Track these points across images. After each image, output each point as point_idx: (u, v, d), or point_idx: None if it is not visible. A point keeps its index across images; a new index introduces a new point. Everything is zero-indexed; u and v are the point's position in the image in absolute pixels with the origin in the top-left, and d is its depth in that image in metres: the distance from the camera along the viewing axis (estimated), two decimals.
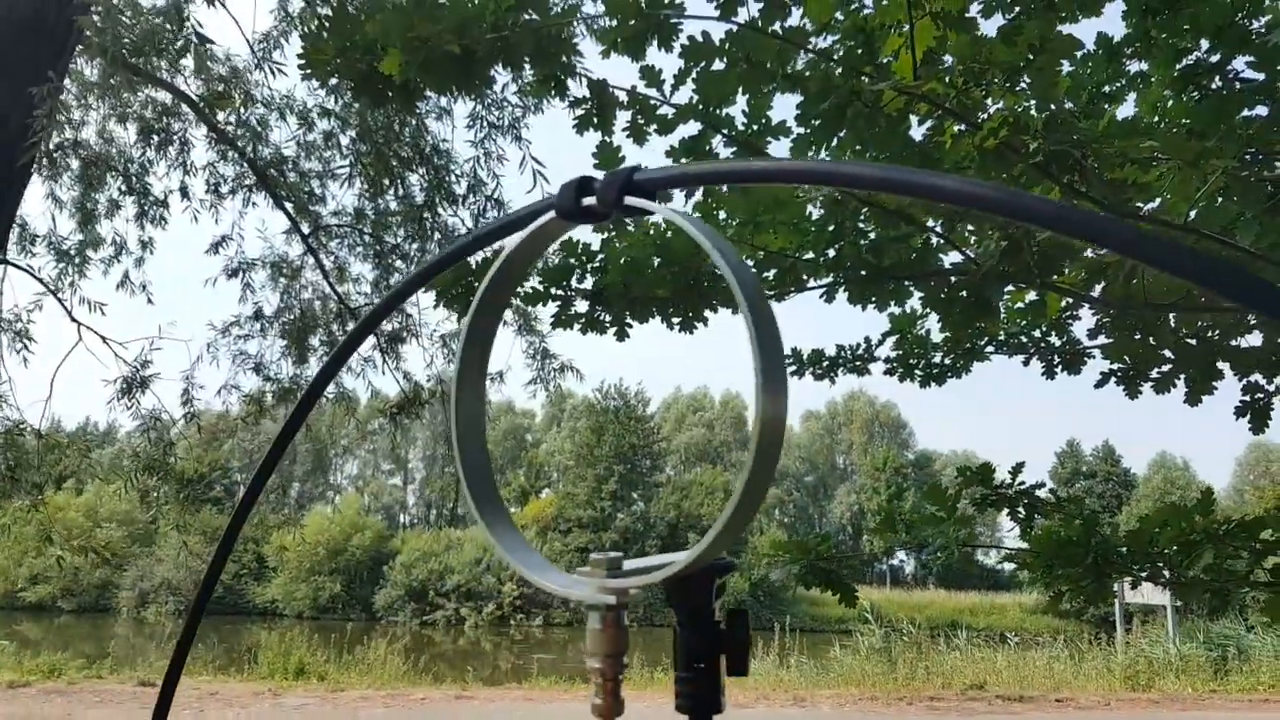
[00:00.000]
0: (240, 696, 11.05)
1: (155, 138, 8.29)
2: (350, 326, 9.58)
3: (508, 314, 9.20)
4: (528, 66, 2.68)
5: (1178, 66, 3.48)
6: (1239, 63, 3.47)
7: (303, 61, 3.12)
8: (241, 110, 7.91)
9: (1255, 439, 59.39)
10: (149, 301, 9.49)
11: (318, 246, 9.20)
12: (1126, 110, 4.97)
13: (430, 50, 2.45)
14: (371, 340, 9.76)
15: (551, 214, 0.65)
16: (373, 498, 59.71)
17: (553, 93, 2.89)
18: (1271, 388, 3.82)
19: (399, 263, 9.02)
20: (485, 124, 7.65)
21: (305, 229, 8.88)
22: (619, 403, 44.91)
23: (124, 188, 8.62)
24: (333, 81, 7.51)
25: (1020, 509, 4.61)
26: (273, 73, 7.41)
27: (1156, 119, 3.77)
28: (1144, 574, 4.09)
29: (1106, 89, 3.95)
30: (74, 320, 8.38)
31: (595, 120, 3.01)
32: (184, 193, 8.71)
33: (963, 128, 2.42)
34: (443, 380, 9.87)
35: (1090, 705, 12.28)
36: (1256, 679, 14.14)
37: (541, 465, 52.99)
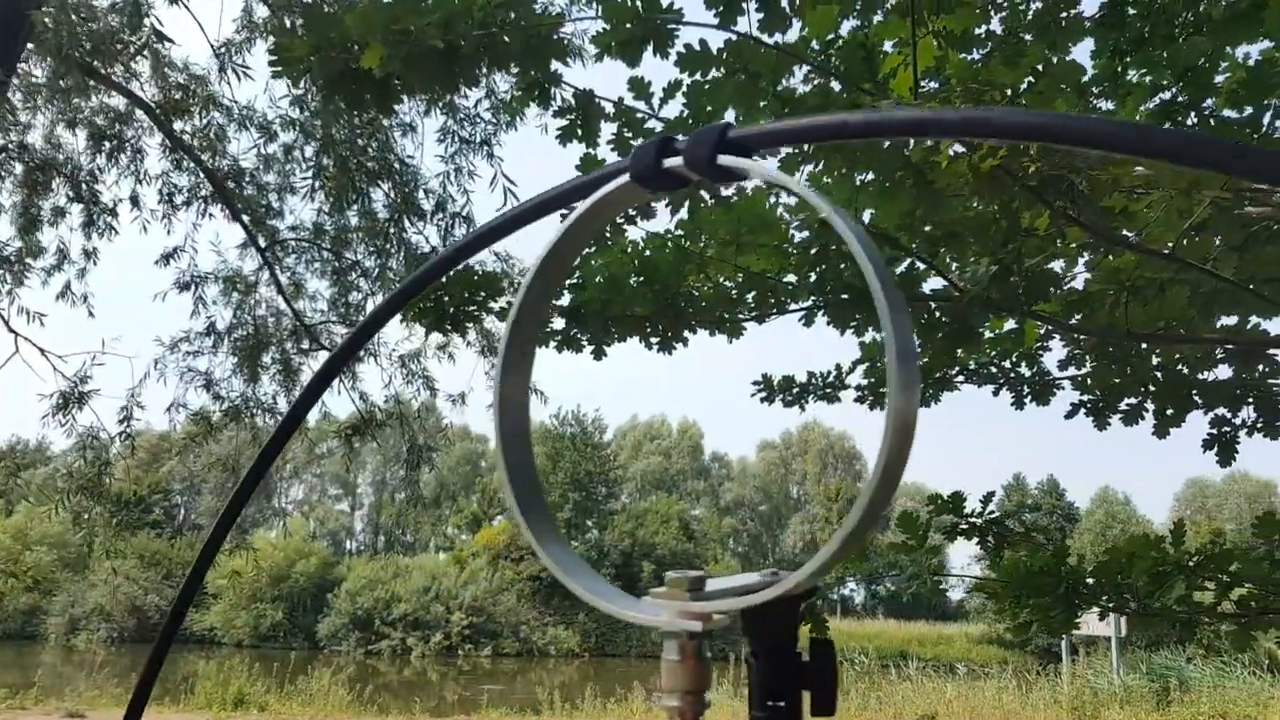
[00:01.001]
0: None
1: (107, 144, 8.04)
2: (306, 345, 9.37)
3: (470, 334, 9.07)
4: (514, 68, 2.60)
5: (1152, 103, 3.52)
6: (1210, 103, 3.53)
7: (274, 58, 3.00)
8: (200, 114, 7.69)
9: (1192, 475, 60.98)
10: (90, 314, 9.19)
11: (274, 261, 8.98)
12: None
13: (413, 45, 2.36)
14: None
15: (625, 178, 0.57)
16: (319, 523, 58.43)
17: (537, 100, 2.81)
18: (1238, 421, 3.86)
19: (359, 280, 8.83)
20: (457, 139, 7.55)
21: (262, 243, 8.66)
22: (576, 429, 44.61)
23: (71, 194, 8.34)
24: (298, 91, 7.39)
25: (990, 538, 4.59)
26: (236, 75, 7.23)
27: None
28: (1111, 605, 4.08)
29: None
30: (11, 331, 8.06)
31: (580, 131, 2.93)
32: (134, 202, 8.45)
33: (959, 149, 2.39)
34: (400, 401, 9.68)
35: None
36: (1197, 709, 14.36)
37: (495, 492, 52.31)
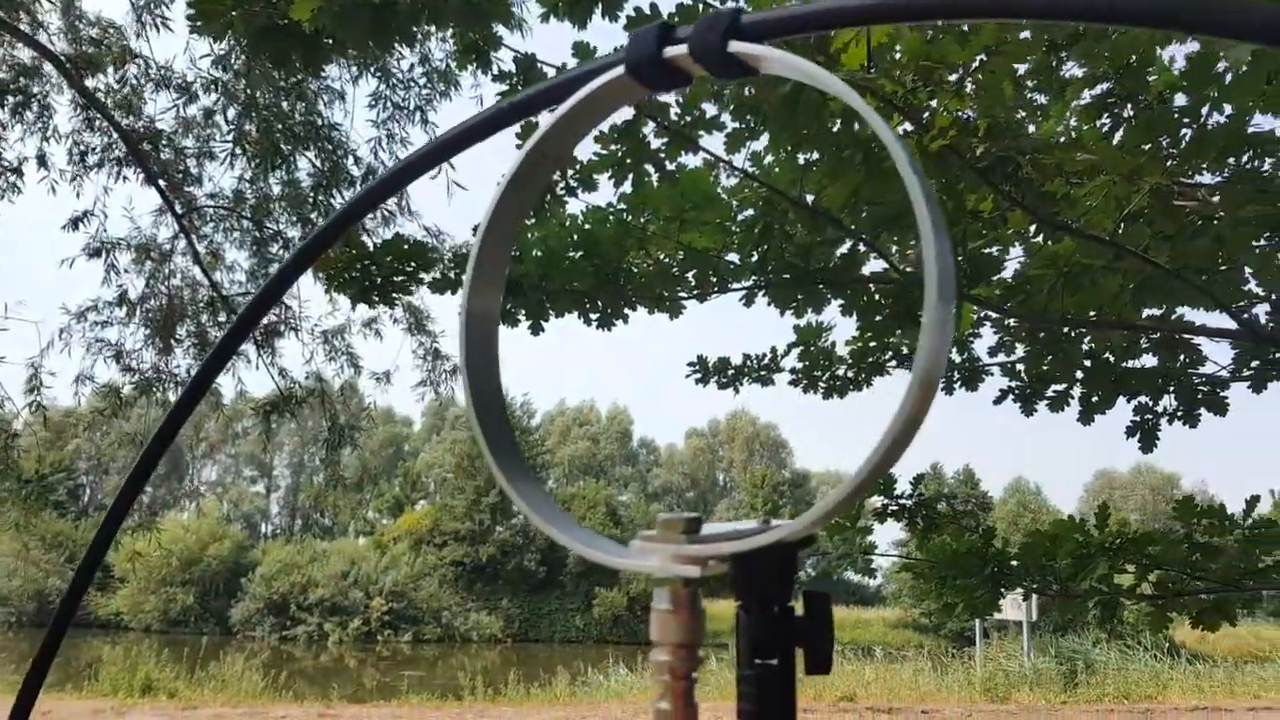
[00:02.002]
0: (78, 715, 10.19)
1: (10, 99, 7.57)
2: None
3: (398, 310, 8.85)
4: (453, 28, 2.49)
5: (1091, 93, 3.57)
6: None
7: (193, 11, 2.83)
8: (114, 70, 7.29)
9: (1100, 467, 63.52)
10: None
11: (191, 229, 8.61)
12: None
13: None
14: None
15: (619, 71, 0.50)
16: (233, 505, 56.79)
17: (475, 63, 2.71)
18: (1159, 409, 3.98)
19: (281, 251, 8.52)
20: (389, 104, 7.31)
21: (179, 209, 8.29)
22: None
23: None
24: (221, 49, 7.07)
25: (918, 520, 4.66)
26: (155, 29, 6.86)
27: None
28: (1035, 586, 4.18)
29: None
30: None
31: None
32: (41, 161, 7.99)
33: (906, 128, 2.37)
34: (321, 379, 9.40)
35: (954, 717, 12.68)
36: (1103, 690, 14.95)
37: (419, 476, 51.51)
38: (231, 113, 7.98)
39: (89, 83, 7.44)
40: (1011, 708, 13.71)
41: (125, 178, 8.26)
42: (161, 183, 8.42)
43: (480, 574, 38.18)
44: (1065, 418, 4.44)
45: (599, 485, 45.61)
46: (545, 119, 0.52)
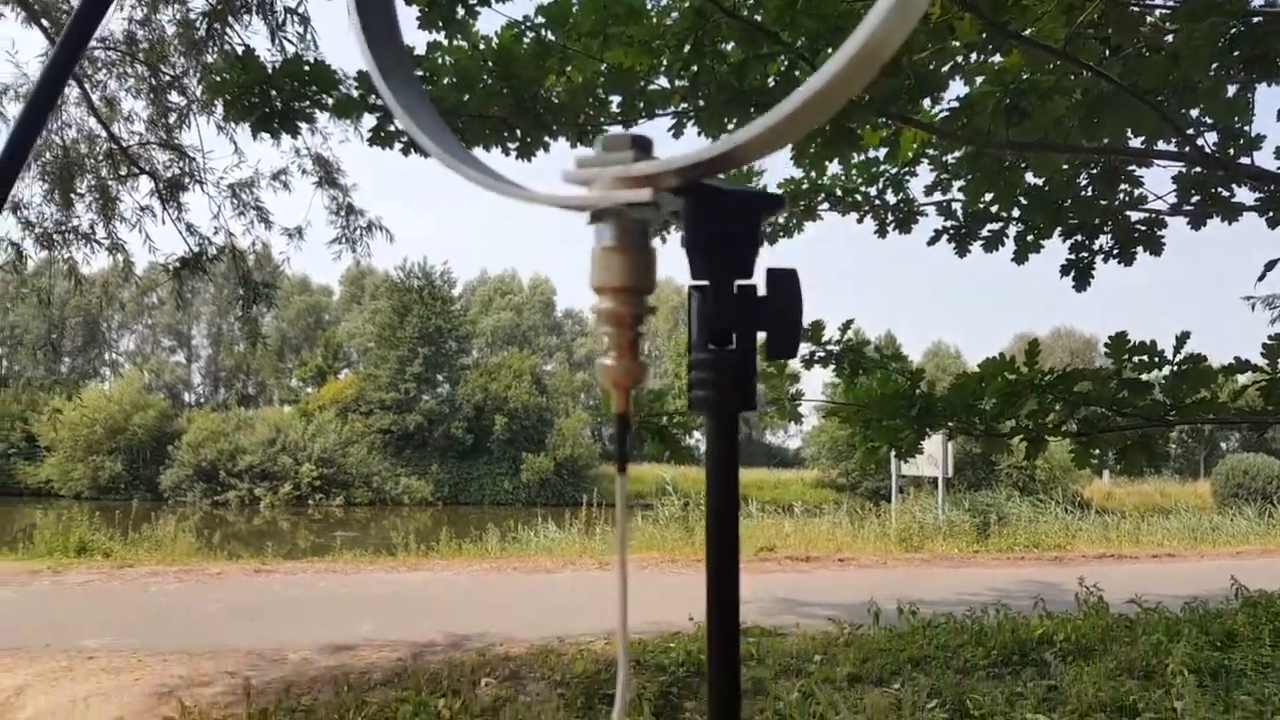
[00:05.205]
0: (16, 575, 10.03)
1: None
2: (124, 170, 8.43)
3: (307, 161, 8.35)
4: None
5: None
6: None
7: None
8: None
9: (1019, 330, 65.76)
10: None
11: (83, 76, 7.91)
12: None
13: None
14: (149, 186, 8.65)
15: None
16: (154, 375, 55.36)
17: None
18: (1095, 247, 3.94)
19: (177, 98, 7.89)
20: None
21: None
22: (423, 282, 43.24)
23: None
24: None
25: (845, 365, 4.63)
26: None
27: None
28: (961, 427, 4.20)
29: None
30: None
31: None
32: None
33: None
34: (231, 234, 8.92)
35: (869, 564, 13.28)
36: (1013, 540, 15.78)
37: (340, 345, 50.59)
38: None
39: None
40: (925, 555, 14.40)
41: (1, 14, 7.49)
42: (45, 23, 7.68)
43: (408, 441, 38.25)
44: (987, 280, 4.40)
45: (523, 355, 45.47)
46: None
